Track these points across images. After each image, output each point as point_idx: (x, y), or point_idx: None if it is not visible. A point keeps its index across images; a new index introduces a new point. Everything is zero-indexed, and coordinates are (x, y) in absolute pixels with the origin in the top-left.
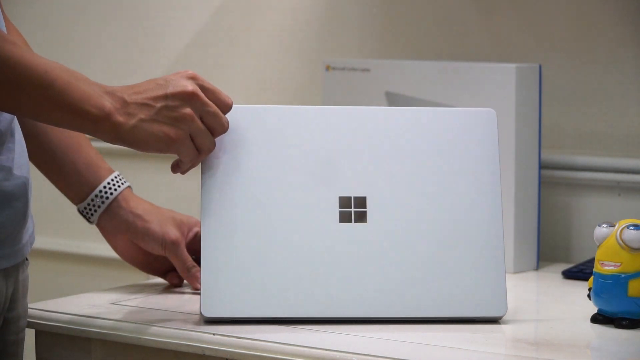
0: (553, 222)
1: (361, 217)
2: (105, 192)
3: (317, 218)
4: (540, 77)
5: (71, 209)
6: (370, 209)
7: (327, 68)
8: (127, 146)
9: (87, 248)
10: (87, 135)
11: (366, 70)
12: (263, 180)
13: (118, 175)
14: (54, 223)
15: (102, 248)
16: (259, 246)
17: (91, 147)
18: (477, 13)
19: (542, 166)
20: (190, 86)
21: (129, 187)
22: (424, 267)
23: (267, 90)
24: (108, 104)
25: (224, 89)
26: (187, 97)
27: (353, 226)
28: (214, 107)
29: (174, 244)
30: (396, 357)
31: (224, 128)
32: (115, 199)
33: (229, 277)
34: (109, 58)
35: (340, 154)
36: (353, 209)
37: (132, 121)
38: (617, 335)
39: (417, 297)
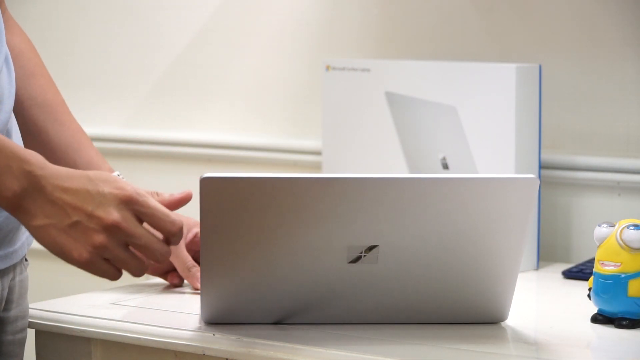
0: (553, 222)
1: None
2: None
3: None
4: (540, 77)
5: None
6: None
7: (327, 68)
8: None
9: None
10: (87, 135)
11: (366, 70)
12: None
13: (119, 176)
14: None
15: None
16: (260, 260)
17: (92, 147)
18: (477, 13)
19: (542, 166)
20: (114, 215)
21: None
22: (435, 299)
23: (266, 90)
24: (15, 187)
25: (224, 89)
26: (105, 227)
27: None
28: (143, 240)
29: None
30: (396, 357)
31: (158, 261)
32: None
33: (229, 289)
34: (109, 58)
35: (349, 229)
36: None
37: (41, 222)
38: (617, 335)
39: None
